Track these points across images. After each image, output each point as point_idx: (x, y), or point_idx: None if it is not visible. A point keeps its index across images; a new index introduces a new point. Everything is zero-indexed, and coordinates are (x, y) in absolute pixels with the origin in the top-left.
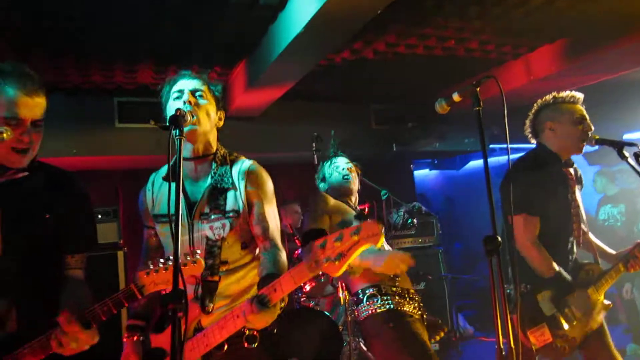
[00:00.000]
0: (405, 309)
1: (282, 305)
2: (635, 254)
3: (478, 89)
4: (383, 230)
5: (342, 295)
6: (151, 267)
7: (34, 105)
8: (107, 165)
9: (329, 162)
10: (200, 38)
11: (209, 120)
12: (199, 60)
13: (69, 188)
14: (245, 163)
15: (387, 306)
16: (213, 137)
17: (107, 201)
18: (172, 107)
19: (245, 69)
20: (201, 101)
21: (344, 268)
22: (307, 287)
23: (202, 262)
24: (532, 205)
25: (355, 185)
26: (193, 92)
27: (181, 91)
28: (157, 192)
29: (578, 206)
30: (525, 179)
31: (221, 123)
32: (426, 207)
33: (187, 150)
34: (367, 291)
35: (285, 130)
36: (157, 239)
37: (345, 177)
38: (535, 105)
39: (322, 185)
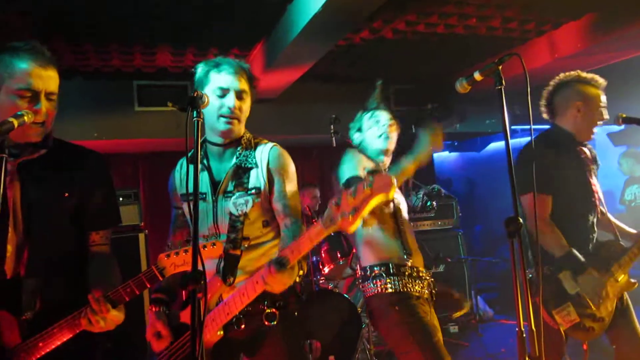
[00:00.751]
0: (413, 289)
1: (301, 273)
2: None
3: (500, 67)
4: (395, 181)
5: (357, 283)
6: (171, 249)
7: (47, 77)
8: (127, 148)
9: (369, 113)
10: (218, 19)
11: (244, 119)
12: (217, 42)
13: (88, 165)
14: (268, 145)
15: (394, 287)
16: (243, 126)
17: (128, 184)
18: (214, 103)
19: (263, 50)
20: (244, 103)
21: (358, 222)
22: (326, 270)
23: (222, 245)
24: (543, 183)
25: (392, 145)
26: (239, 95)
27: (226, 90)
28: (184, 173)
29: (595, 185)
30: (540, 159)
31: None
32: (447, 190)
33: (215, 138)
34: (374, 269)
35: (304, 112)
36: (184, 218)
37: (384, 135)
38: (557, 79)
39: (357, 135)
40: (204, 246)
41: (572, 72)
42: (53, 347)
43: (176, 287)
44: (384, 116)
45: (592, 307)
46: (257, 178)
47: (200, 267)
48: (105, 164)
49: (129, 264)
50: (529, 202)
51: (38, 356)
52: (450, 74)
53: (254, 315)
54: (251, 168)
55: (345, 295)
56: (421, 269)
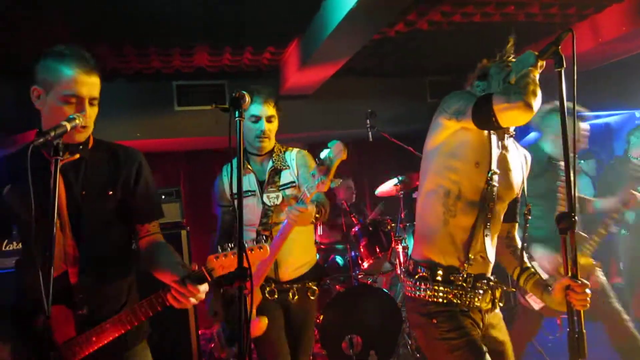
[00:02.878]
0: (462, 300)
1: (318, 216)
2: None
3: (559, 47)
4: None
5: (400, 272)
6: (220, 251)
7: (92, 84)
8: (168, 147)
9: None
10: (253, 17)
11: (274, 133)
12: (253, 41)
13: (128, 161)
14: (294, 150)
15: (438, 298)
16: (273, 139)
17: (169, 182)
18: (250, 127)
19: (298, 47)
20: (272, 126)
21: (328, 182)
22: (365, 264)
23: (268, 248)
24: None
25: None
26: (268, 119)
27: (258, 117)
28: (226, 179)
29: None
30: None
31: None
32: None
33: (254, 149)
34: (419, 268)
35: (339, 108)
36: (230, 216)
37: None
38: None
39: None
40: (251, 250)
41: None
42: (106, 342)
43: None
44: None
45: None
46: (289, 176)
47: (246, 265)
48: (143, 158)
49: None
50: None
51: (91, 350)
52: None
53: (301, 290)
54: (283, 169)
55: (385, 290)
56: (487, 275)
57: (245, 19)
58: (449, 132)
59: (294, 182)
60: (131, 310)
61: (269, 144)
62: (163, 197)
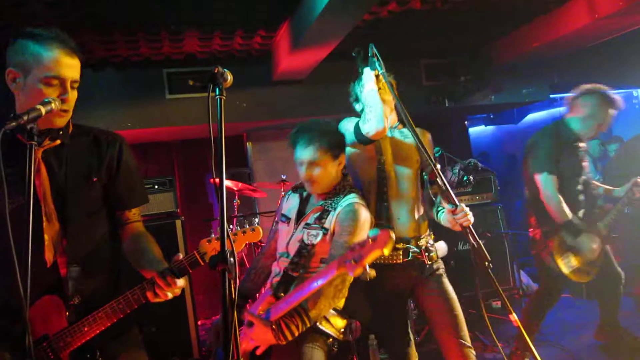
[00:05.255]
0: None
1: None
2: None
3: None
4: (393, 237)
5: None
6: (212, 235)
7: (73, 66)
8: (161, 136)
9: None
10: (241, 2)
11: (327, 178)
12: (243, 25)
13: (111, 146)
14: (349, 198)
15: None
16: (335, 179)
17: (163, 171)
18: (298, 170)
19: (288, 30)
20: (316, 170)
21: (359, 270)
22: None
23: (260, 230)
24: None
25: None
26: (310, 165)
27: (302, 162)
28: (287, 199)
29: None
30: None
31: (342, 165)
32: (486, 165)
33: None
34: None
35: (332, 92)
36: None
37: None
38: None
39: (357, 106)
40: (244, 231)
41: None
42: (98, 331)
43: (253, 292)
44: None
45: (589, 256)
46: (329, 221)
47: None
48: (125, 142)
49: (167, 250)
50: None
51: (83, 340)
52: (482, 44)
53: None
54: (331, 211)
55: None
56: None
57: (233, 3)
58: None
59: (327, 229)
60: (123, 298)
61: (318, 188)
62: (156, 186)
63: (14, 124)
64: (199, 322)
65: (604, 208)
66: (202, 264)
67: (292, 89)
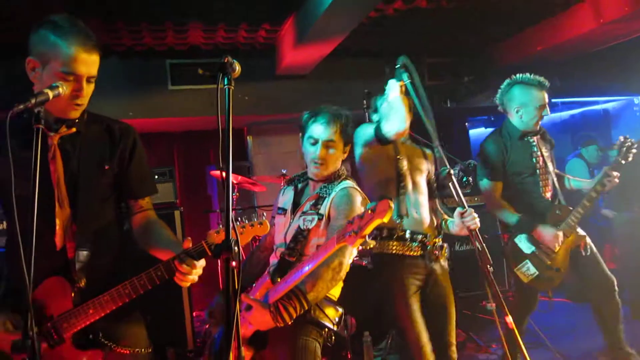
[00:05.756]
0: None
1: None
2: (607, 174)
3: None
4: (393, 206)
5: None
6: (220, 226)
7: (91, 62)
8: (162, 127)
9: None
10: None
11: (335, 164)
12: (248, 17)
13: (124, 136)
14: (342, 184)
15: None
16: (338, 166)
17: (163, 162)
18: (307, 150)
19: (293, 25)
20: (331, 151)
21: (359, 241)
22: (360, 246)
23: (268, 224)
24: (494, 173)
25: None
26: (326, 145)
27: (317, 140)
28: (284, 192)
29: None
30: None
31: (346, 155)
32: None
33: (310, 173)
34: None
35: (336, 88)
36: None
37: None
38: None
39: (374, 116)
40: (252, 224)
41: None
42: (103, 314)
43: (248, 284)
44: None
45: (547, 260)
46: (324, 206)
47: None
48: (137, 134)
49: None
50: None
51: (87, 323)
52: (486, 44)
53: None
54: (325, 197)
55: None
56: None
57: None
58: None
59: (322, 214)
60: (130, 283)
61: (326, 171)
62: (156, 177)
63: (21, 106)
64: (195, 314)
65: (565, 207)
66: (210, 254)
67: (296, 83)
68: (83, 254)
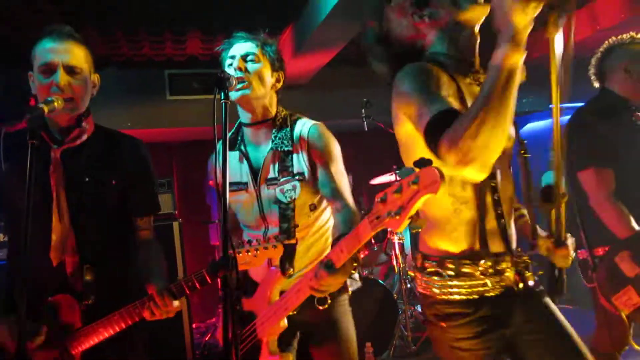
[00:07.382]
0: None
1: (355, 265)
2: None
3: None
4: (441, 172)
5: (395, 263)
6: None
7: (64, 50)
8: (160, 137)
9: None
10: (246, 5)
11: (262, 85)
12: (246, 28)
13: (131, 151)
14: (306, 124)
15: (452, 295)
16: (270, 101)
17: (161, 172)
18: (229, 69)
19: (291, 35)
20: (252, 66)
21: (405, 222)
22: (361, 256)
23: (282, 247)
24: (602, 157)
25: None
26: (244, 57)
27: (233, 57)
28: (220, 161)
29: None
30: (592, 129)
31: (279, 85)
32: None
33: (244, 116)
34: (428, 261)
35: (334, 97)
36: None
37: None
38: (605, 43)
39: None
40: (266, 247)
41: (625, 35)
42: (112, 332)
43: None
44: None
45: None
46: (299, 163)
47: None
48: (147, 150)
49: (164, 252)
50: (588, 179)
51: (97, 341)
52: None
53: (306, 300)
54: (290, 152)
55: (381, 281)
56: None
57: (237, 5)
58: None
59: (302, 173)
60: (140, 302)
61: (254, 93)
62: None
63: (16, 123)
64: (194, 325)
65: None
66: (210, 282)
67: (294, 93)
68: (89, 270)
